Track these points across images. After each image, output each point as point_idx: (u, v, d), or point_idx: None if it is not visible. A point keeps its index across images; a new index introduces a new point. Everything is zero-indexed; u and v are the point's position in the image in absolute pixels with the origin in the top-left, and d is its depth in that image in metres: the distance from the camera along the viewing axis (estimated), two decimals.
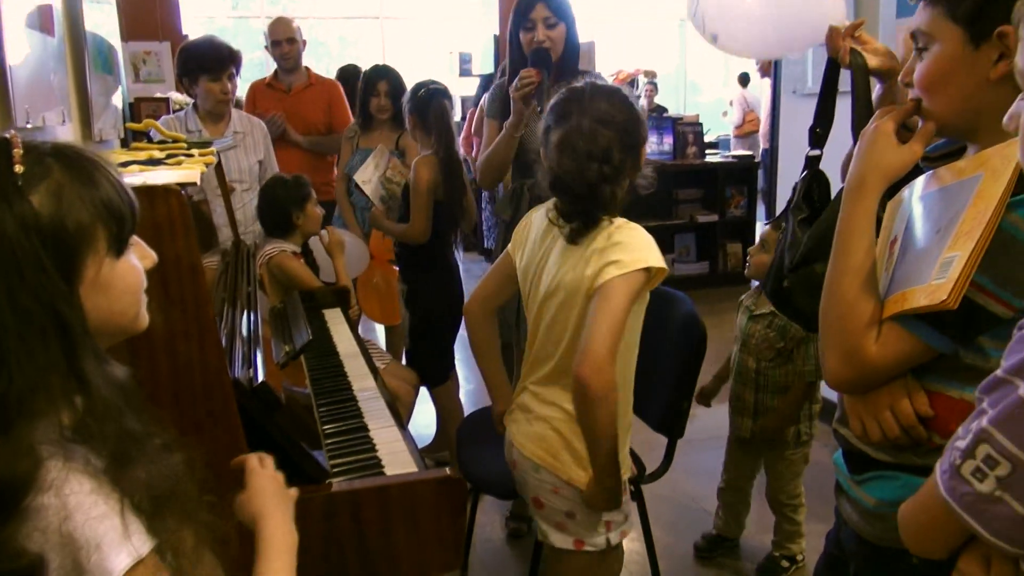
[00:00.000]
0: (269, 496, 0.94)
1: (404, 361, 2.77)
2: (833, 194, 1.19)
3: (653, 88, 7.44)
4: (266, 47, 3.56)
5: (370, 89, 3.13)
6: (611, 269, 1.33)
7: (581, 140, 1.35)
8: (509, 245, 1.60)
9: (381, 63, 3.28)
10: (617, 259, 1.34)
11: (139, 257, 0.81)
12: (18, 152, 0.70)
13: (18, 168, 0.70)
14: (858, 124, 1.22)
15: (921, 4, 0.96)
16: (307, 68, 3.62)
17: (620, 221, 1.40)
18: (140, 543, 0.69)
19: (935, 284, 0.87)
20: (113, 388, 0.72)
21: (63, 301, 0.70)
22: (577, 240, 1.40)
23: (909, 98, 1.00)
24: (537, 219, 1.55)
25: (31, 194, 0.70)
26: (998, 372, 0.68)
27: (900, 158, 0.97)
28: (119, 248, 0.77)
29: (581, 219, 1.39)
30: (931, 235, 0.93)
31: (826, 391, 1.83)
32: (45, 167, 0.72)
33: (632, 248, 1.35)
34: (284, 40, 3.50)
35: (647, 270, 1.35)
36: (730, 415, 2.22)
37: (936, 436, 0.94)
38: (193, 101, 2.84)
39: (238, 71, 2.82)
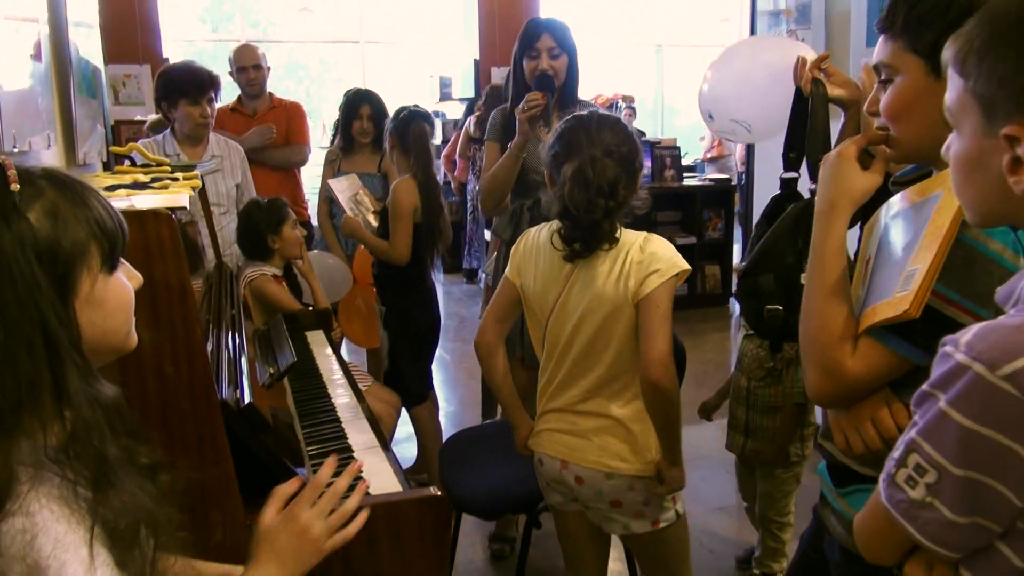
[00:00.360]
0: (278, 546, 0.93)
1: (383, 382, 2.78)
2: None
3: (632, 112, 7.54)
4: (230, 72, 3.57)
5: (352, 112, 3.17)
6: (654, 279, 1.49)
7: (592, 173, 1.48)
8: (508, 272, 1.66)
9: (363, 87, 3.33)
10: (656, 268, 1.49)
11: (127, 277, 0.83)
12: (13, 173, 0.72)
13: (14, 187, 0.71)
14: (811, 151, 1.28)
15: (882, 38, 1.00)
16: (270, 93, 3.67)
17: (644, 234, 1.55)
18: None
19: (899, 296, 0.92)
20: (98, 408, 0.72)
21: (53, 317, 0.70)
22: (575, 259, 1.53)
23: (876, 126, 1.05)
24: (543, 243, 1.60)
25: (28, 212, 0.72)
26: (924, 387, 0.72)
27: (865, 182, 1.02)
28: (112, 265, 0.78)
29: (582, 244, 1.52)
30: (899, 251, 0.98)
31: (819, 413, 1.87)
32: (39, 188, 0.74)
33: (665, 257, 1.51)
34: (251, 66, 3.54)
35: (678, 273, 1.50)
36: (727, 431, 2.26)
37: None
38: (171, 124, 2.85)
39: (217, 95, 2.84)
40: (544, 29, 2.32)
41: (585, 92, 2.57)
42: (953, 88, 0.76)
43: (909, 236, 0.97)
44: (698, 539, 2.39)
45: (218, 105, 2.89)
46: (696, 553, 2.33)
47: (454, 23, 8.07)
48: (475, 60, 6.91)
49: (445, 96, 7.38)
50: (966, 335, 0.69)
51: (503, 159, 2.37)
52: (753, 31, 3.47)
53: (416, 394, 2.73)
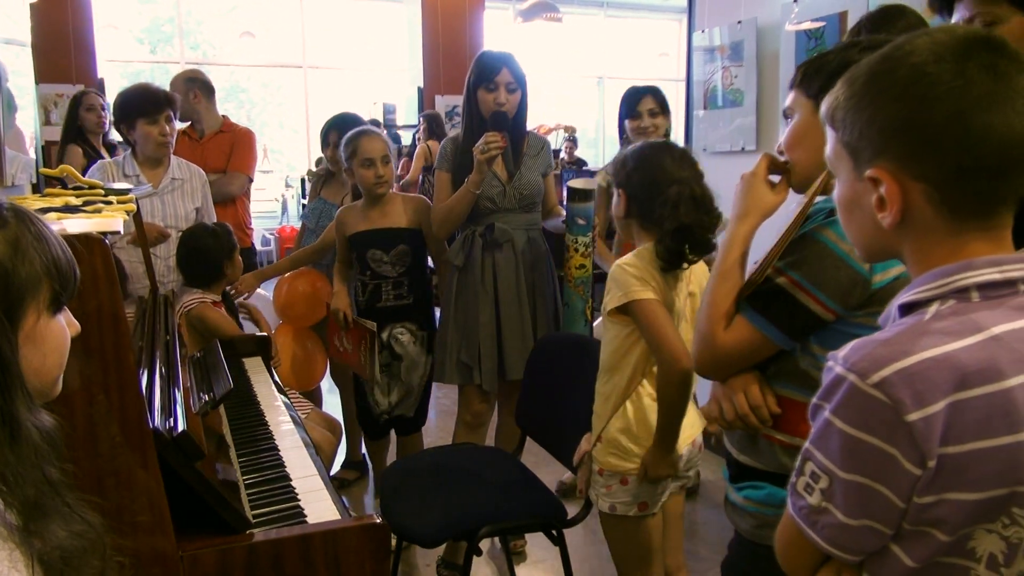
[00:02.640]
0: None
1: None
2: None
3: (572, 143, 7.71)
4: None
5: (324, 140, 3.13)
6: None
7: (701, 193, 1.65)
8: (652, 293, 1.64)
9: (339, 112, 3.23)
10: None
11: (67, 323, 0.83)
12: None
13: None
14: None
15: (790, 90, 1.21)
16: (224, 116, 3.61)
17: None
18: None
19: (753, 271, 1.17)
20: (41, 435, 0.72)
21: (5, 341, 0.71)
22: (688, 265, 1.70)
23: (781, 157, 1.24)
24: (650, 266, 1.66)
25: None
26: (814, 399, 0.78)
27: (772, 199, 1.21)
28: (58, 306, 0.79)
29: (693, 253, 1.67)
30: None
31: None
32: (3, 218, 0.75)
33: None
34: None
35: None
36: None
37: (785, 435, 1.15)
38: (132, 146, 2.81)
39: (176, 114, 2.81)
40: (503, 64, 2.40)
41: (531, 122, 2.64)
42: (829, 140, 0.84)
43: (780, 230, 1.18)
44: None
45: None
46: None
47: (398, 51, 8.12)
48: (419, 88, 6.96)
49: (389, 123, 7.40)
50: (844, 350, 0.75)
51: (461, 195, 2.42)
52: (689, 66, 3.60)
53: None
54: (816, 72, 1.14)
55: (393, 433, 2.77)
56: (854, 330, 1.08)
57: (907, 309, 0.78)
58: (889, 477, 0.72)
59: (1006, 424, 0.71)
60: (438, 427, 3.83)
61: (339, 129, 2.95)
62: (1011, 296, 0.75)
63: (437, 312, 2.71)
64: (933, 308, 0.75)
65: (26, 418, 0.71)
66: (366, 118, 7.57)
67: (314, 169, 3.38)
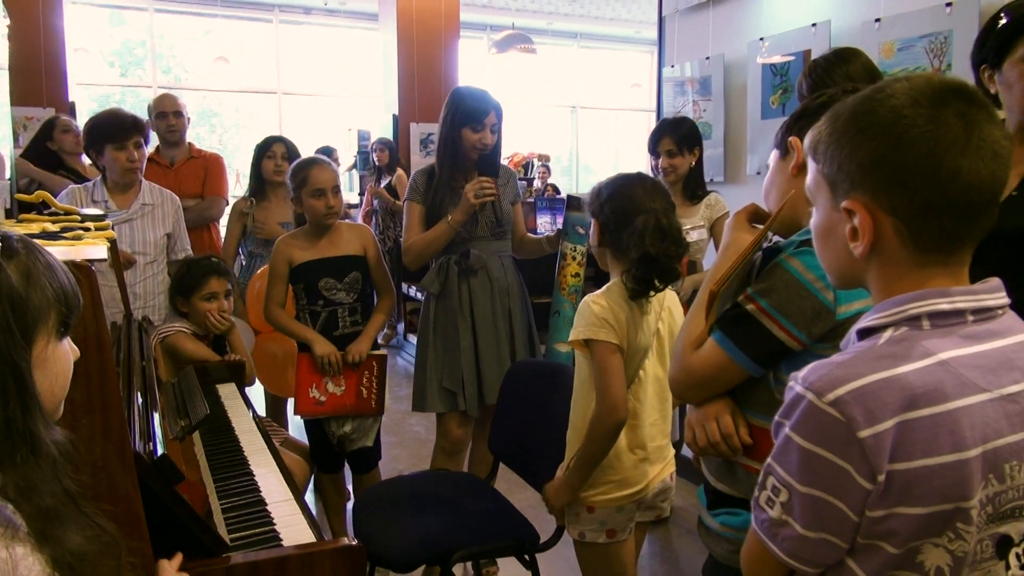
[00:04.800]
0: None
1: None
2: None
3: (546, 170, 7.83)
4: (147, 121, 3.53)
5: (264, 149, 3.17)
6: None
7: (668, 224, 1.70)
8: (614, 340, 1.69)
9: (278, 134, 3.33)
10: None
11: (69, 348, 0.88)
12: None
13: None
14: None
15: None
16: (190, 143, 3.64)
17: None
18: None
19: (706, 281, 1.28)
20: (58, 449, 0.77)
21: (24, 361, 0.75)
22: (654, 294, 1.74)
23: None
24: (619, 301, 1.71)
25: (8, 266, 0.77)
26: (776, 417, 0.84)
27: (750, 237, 1.29)
28: (64, 331, 0.84)
29: (660, 281, 1.72)
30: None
31: None
32: (14, 249, 0.79)
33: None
34: (171, 112, 3.52)
35: None
36: None
37: (759, 463, 1.18)
38: (102, 172, 2.83)
39: (146, 140, 2.83)
40: (492, 107, 2.50)
41: (505, 150, 2.72)
42: (810, 172, 0.91)
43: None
44: None
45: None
46: None
47: (373, 77, 8.20)
48: (394, 115, 7.03)
49: (363, 148, 7.45)
50: (804, 371, 0.82)
51: (442, 231, 2.49)
52: (660, 99, 3.71)
53: None
54: (785, 126, 1.27)
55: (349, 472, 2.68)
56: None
57: (864, 334, 0.84)
58: (843, 491, 0.77)
59: (951, 443, 0.76)
60: (410, 454, 3.84)
61: (284, 143, 3.14)
62: (959, 325, 0.81)
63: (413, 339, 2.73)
64: (887, 334, 0.82)
65: (44, 434, 0.76)
66: (342, 145, 7.62)
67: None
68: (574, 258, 2.55)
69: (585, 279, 2.59)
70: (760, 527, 0.85)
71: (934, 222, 0.80)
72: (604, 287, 1.77)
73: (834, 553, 0.81)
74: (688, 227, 2.63)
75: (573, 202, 2.57)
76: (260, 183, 3.21)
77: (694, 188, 2.87)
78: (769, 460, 0.84)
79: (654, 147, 2.85)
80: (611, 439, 1.71)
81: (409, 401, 2.68)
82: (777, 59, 3.01)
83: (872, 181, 0.81)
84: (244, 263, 3.31)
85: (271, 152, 3.17)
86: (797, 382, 0.81)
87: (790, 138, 1.24)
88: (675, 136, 2.80)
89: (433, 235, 2.50)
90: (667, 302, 1.82)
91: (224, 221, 3.66)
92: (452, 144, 2.51)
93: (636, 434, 1.76)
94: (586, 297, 1.74)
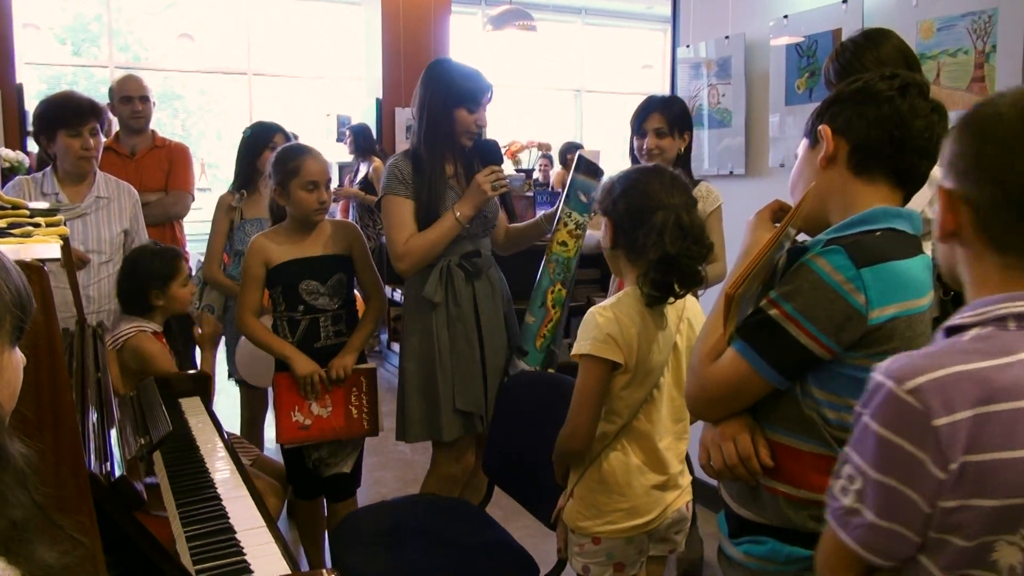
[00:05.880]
0: None
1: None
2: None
3: (548, 161, 7.82)
4: (109, 104, 3.47)
5: (264, 141, 3.13)
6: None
7: (689, 221, 1.69)
8: (616, 356, 1.69)
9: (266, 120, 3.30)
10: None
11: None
12: None
13: None
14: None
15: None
16: (153, 131, 3.62)
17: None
18: None
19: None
20: (24, 460, 0.78)
21: None
22: (674, 299, 1.75)
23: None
24: (633, 310, 1.71)
25: None
26: (856, 407, 0.93)
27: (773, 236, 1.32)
28: (17, 337, 0.85)
29: (680, 285, 1.72)
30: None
31: None
32: None
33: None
34: (137, 97, 3.52)
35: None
36: None
37: (789, 487, 1.22)
38: (52, 161, 2.82)
39: (103, 127, 2.82)
40: (488, 88, 2.49)
41: (502, 138, 2.72)
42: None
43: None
44: None
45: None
46: None
47: (355, 58, 8.22)
48: (378, 99, 7.05)
49: (342, 137, 7.47)
50: (887, 361, 0.91)
51: (447, 228, 2.40)
52: (674, 82, 3.73)
53: None
54: (812, 117, 1.33)
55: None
56: (854, 372, 1.16)
57: (951, 332, 0.93)
58: (916, 480, 0.85)
59: None
60: (395, 476, 3.85)
61: (285, 133, 3.10)
62: None
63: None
64: (972, 332, 0.91)
65: (8, 444, 0.77)
66: (319, 132, 7.59)
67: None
68: (566, 224, 2.45)
69: (579, 257, 2.51)
70: (833, 516, 0.93)
71: (1002, 215, 0.89)
72: (614, 296, 1.76)
73: (906, 547, 0.88)
74: None
75: (582, 164, 2.48)
76: (251, 175, 3.17)
77: None
78: (847, 448, 0.93)
79: (639, 125, 2.69)
80: (561, 461, 1.79)
81: (393, 418, 2.59)
82: (803, 39, 3.03)
83: (954, 169, 0.93)
84: (230, 263, 3.29)
85: (273, 144, 3.08)
86: (879, 372, 0.90)
87: (820, 126, 1.26)
88: (667, 115, 2.65)
89: (437, 234, 2.41)
90: (687, 312, 1.81)
91: (188, 218, 3.67)
92: (443, 125, 2.44)
93: (648, 458, 1.76)
94: (593, 307, 1.73)
